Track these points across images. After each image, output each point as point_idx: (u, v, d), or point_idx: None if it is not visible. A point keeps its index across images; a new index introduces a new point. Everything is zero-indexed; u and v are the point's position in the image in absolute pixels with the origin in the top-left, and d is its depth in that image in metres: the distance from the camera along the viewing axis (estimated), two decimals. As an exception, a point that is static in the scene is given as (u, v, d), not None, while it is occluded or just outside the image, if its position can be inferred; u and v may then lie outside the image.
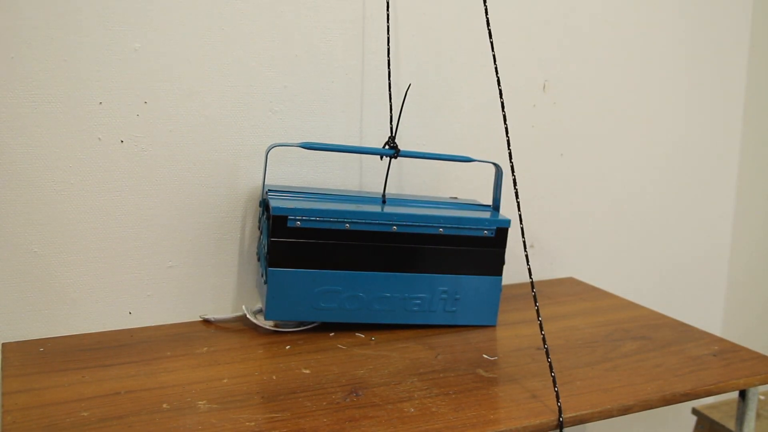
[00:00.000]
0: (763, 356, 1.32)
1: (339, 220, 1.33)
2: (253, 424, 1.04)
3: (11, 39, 1.26)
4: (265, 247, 1.34)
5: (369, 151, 1.41)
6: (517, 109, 1.70)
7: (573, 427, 1.87)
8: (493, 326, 1.44)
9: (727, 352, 1.34)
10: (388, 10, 1.49)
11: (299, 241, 1.32)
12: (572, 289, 1.71)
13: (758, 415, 1.71)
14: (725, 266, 2.09)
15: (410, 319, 1.41)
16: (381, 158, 1.54)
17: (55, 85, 1.30)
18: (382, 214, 1.36)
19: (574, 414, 1.10)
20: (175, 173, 1.41)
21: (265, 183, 1.43)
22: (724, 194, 2.03)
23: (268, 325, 1.40)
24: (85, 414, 1.06)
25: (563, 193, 1.80)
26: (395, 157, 1.42)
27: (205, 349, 1.31)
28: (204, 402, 1.11)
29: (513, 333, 1.41)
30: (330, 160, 1.53)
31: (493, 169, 1.65)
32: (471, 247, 1.41)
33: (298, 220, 1.31)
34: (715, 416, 1.73)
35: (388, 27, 1.50)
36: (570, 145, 1.78)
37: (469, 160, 1.45)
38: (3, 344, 1.32)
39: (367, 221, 1.34)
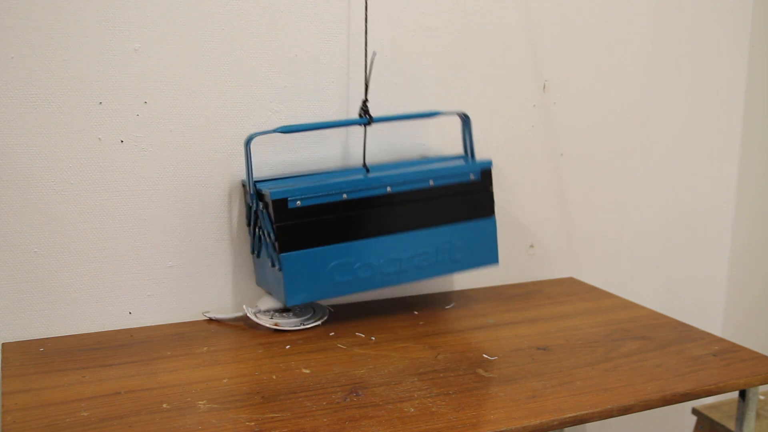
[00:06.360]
0: (763, 356, 1.32)
1: (336, 192, 1.35)
2: (253, 424, 1.04)
3: (11, 39, 1.26)
4: (271, 235, 1.34)
5: (344, 123, 1.46)
6: (517, 109, 1.70)
7: (573, 427, 1.87)
8: (492, 324, 1.44)
9: (727, 352, 1.34)
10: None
11: (303, 221, 1.34)
12: (572, 289, 1.71)
13: (758, 415, 1.71)
14: (725, 266, 2.09)
15: (421, 276, 1.45)
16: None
17: (55, 85, 1.30)
18: (374, 179, 1.39)
19: (574, 414, 1.10)
20: (175, 173, 1.41)
21: (250, 178, 1.41)
22: (723, 194, 2.03)
23: (268, 324, 1.40)
24: (85, 414, 1.06)
25: (563, 193, 1.80)
26: (369, 124, 1.45)
27: (205, 349, 1.31)
28: (204, 402, 1.11)
29: (513, 333, 1.41)
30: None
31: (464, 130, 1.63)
32: (462, 194, 1.46)
33: (298, 200, 1.32)
34: (715, 416, 1.73)
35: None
36: (570, 145, 1.78)
37: (436, 114, 1.50)
38: (3, 344, 1.32)
39: (361, 188, 1.38)
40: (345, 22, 1.49)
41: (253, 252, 1.45)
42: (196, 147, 1.41)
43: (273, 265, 1.37)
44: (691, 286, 2.05)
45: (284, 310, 1.46)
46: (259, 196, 1.36)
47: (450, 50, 1.60)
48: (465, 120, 1.53)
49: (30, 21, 1.27)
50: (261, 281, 1.46)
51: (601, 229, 1.87)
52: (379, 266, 1.40)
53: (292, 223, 1.33)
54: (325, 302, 1.56)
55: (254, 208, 1.38)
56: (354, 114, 1.53)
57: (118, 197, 1.38)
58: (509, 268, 1.76)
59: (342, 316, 1.49)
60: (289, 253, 1.33)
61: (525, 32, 1.67)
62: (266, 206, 1.34)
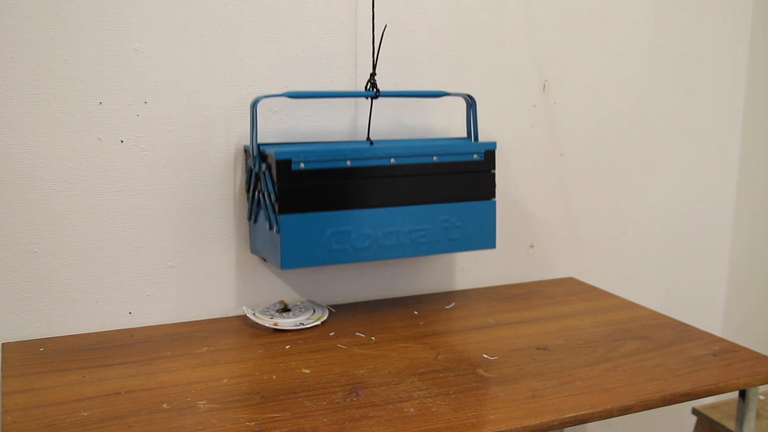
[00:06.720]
0: (763, 356, 1.32)
1: (340, 158, 1.36)
2: (253, 424, 1.04)
3: (11, 39, 1.27)
4: (271, 196, 1.34)
5: (352, 94, 1.45)
6: (517, 109, 1.70)
7: (573, 427, 1.87)
8: (492, 324, 1.44)
9: (727, 352, 1.34)
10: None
11: (305, 185, 1.34)
12: (572, 289, 1.71)
13: (758, 415, 1.71)
14: (725, 266, 2.09)
15: (418, 252, 1.45)
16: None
17: (55, 85, 1.30)
18: (379, 149, 1.39)
19: (574, 414, 1.10)
20: (174, 173, 1.41)
21: (253, 141, 1.41)
22: (723, 194, 2.03)
23: (268, 324, 1.40)
24: (85, 414, 1.06)
25: (563, 193, 1.80)
26: (376, 98, 1.45)
27: (205, 349, 1.31)
28: (204, 402, 1.11)
29: (513, 333, 1.41)
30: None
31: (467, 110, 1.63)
32: (464, 173, 1.46)
33: (302, 162, 1.33)
34: (715, 416, 1.73)
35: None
36: (570, 145, 1.78)
37: (443, 94, 1.49)
38: (3, 344, 1.32)
39: (366, 157, 1.38)
40: (345, 22, 1.49)
41: (249, 218, 1.44)
42: (196, 147, 1.41)
43: (271, 228, 1.36)
44: (691, 286, 2.05)
45: (284, 310, 1.46)
46: (262, 157, 1.36)
47: (450, 50, 1.60)
48: (470, 102, 1.53)
49: (30, 21, 1.27)
50: (255, 248, 1.46)
51: (601, 229, 1.87)
52: (377, 238, 1.41)
53: (294, 185, 1.33)
54: (324, 302, 1.56)
55: (255, 170, 1.38)
56: (355, 114, 1.53)
57: (118, 197, 1.38)
58: (509, 268, 1.76)
59: (342, 316, 1.49)
60: (288, 215, 1.33)
61: (525, 32, 1.67)
62: (269, 167, 1.34)
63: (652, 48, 1.84)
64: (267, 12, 1.43)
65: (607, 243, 1.89)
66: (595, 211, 1.85)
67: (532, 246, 1.79)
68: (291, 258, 1.35)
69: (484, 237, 1.51)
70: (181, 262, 1.44)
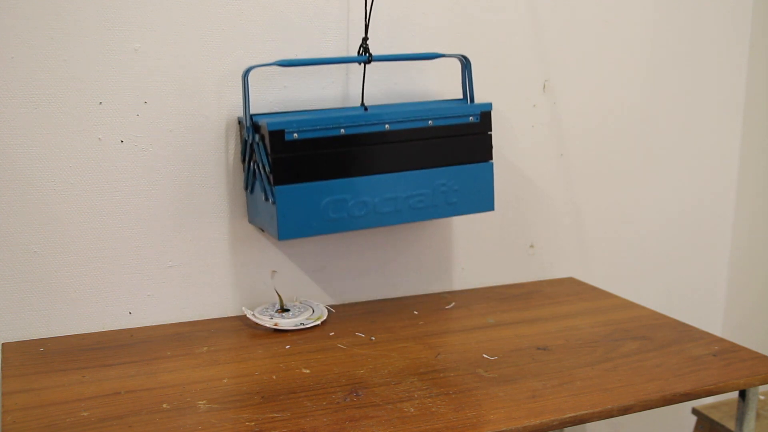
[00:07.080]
0: (763, 356, 1.32)
1: (334, 126, 1.34)
2: (253, 424, 1.04)
3: (11, 39, 1.27)
4: (266, 167, 1.33)
5: (344, 60, 1.44)
6: (516, 109, 1.70)
7: (573, 427, 1.87)
8: (492, 324, 1.44)
9: (727, 352, 1.34)
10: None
11: (300, 155, 1.33)
12: (572, 289, 1.71)
13: (758, 415, 1.71)
14: (725, 266, 2.09)
15: (416, 217, 1.44)
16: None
17: (55, 85, 1.30)
18: (373, 115, 1.38)
19: (574, 414, 1.10)
20: (175, 173, 1.41)
21: (246, 111, 1.39)
22: (723, 194, 2.03)
23: (268, 324, 1.40)
24: (85, 414, 1.06)
25: (563, 193, 1.80)
26: (369, 62, 1.44)
27: (205, 349, 1.31)
28: (204, 402, 1.11)
29: (513, 333, 1.41)
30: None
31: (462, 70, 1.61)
32: (460, 136, 1.45)
33: (295, 132, 1.32)
34: (715, 416, 1.73)
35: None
36: (570, 145, 1.78)
37: (437, 56, 1.48)
38: (3, 344, 1.32)
39: (360, 124, 1.36)
40: (344, 23, 1.49)
41: (246, 188, 1.44)
42: (195, 147, 1.41)
43: (266, 199, 1.35)
44: (691, 286, 2.05)
45: (284, 310, 1.46)
46: (255, 128, 1.35)
47: (450, 50, 1.60)
48: (465, 63, 1.51)
49: (30, 21, 1.27)
50: (253, 218, 1.45)
51: (601, 229, 1.87)
52: (374, 205, 1.39)
53: (288, 155, 1.32)
54: (324, 302, 1.56)
55: (250, 141, 1.37)
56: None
57: (118, 197, 1.38)
58: (509, 268, 1.75)
59: (342, 316, 1.49)
60: (283, 186, 1.32)
61: (525, 32, 1.67)
62: (262, 138, 1.33)
63: (652, 48, 1.83)
64: (267, 12, 1.43)
65: (607, 243, 1.89)
66: (596, 211, 1.85)
67: (532, 246, 1.78)
68: (288, 229, 1.34)
69: (482, 200, 1.49)
70: (181, 262, 1.44)
